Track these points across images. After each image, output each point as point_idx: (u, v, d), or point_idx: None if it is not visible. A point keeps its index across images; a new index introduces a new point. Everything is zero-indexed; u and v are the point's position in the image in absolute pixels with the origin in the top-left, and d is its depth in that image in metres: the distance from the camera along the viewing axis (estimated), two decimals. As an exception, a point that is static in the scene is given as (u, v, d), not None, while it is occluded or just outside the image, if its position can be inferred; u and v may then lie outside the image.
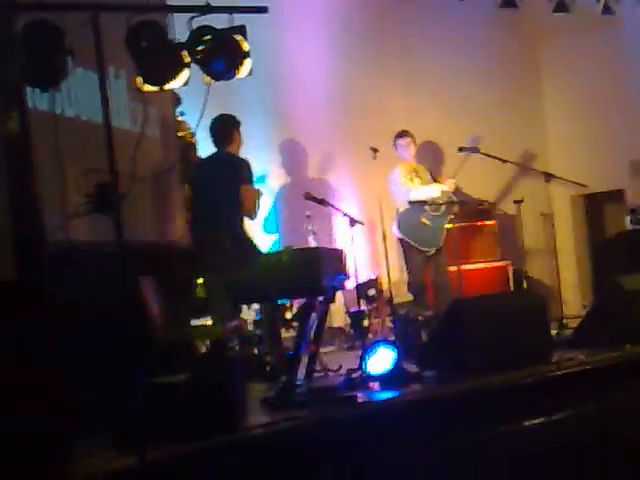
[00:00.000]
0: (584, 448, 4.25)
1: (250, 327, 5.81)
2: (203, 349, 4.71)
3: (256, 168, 5.67)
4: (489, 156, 7.23)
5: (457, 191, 7.39)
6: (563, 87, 8.48)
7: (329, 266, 4.95)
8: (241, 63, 4.39)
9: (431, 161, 7.76)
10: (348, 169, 7.73)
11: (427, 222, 7.05)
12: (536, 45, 8.58)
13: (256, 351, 5.49)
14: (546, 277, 7.93)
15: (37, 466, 3.13)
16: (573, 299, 8.02)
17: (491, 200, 8.06)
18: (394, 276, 7.25)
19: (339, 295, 6.09)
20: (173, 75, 4.29)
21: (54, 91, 3.94)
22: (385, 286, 6.85)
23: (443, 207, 7.10)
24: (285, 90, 7.37)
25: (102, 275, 3.78)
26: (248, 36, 4.38)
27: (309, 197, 6.34)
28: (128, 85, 4.93)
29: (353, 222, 6.17)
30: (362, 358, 4.81)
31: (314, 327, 5.15)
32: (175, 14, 4.40)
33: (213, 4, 4.31)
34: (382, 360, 4.76)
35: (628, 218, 7.36)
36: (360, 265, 6.96)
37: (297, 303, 5.78)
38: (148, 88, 4.30)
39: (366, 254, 7.56)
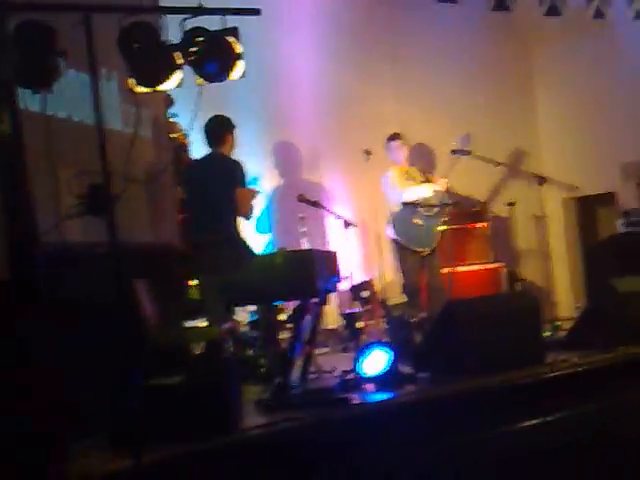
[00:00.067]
0: (577, 450, 4.25)
1: (244, 329, 5.80)
2: (198, 350, 4.70)
3: (249, 170, 5.68)
4: (482, 159, 7.24)
5: (449, 192, 7.40)
6: (555, 90, 8.50)
7: (323, 268, 4.95)
8: (234, 65, 4.39)
9: (423, 163, 7.77)
10: (341, 171, 7.73)
11: (420, 222, 7.06)
12: (528, 49, 8.61)
13: (250, 353, 5.48)
14: (539, 279, 7.94)
15: (36, 466, 3.12)
16: (566, 301, 8.05)
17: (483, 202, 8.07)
18: (388, 278, 7.27)
19: (333, 297, 6.08)
20: (166, 77, 4.28)
21: (46, 92, 3.92)
22: (379, 288, 6.86)
23: (436, 208, 7.11)
24: (279, 92, 7.37)
25: (95, 276, 3.77)
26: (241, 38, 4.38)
27: (302, 199, 6.35)
28: (120, 87, 4.92)
29: (347, 224, 6.17)
30: (356, 359, 4.81)
31: (308, 329, 5.14)
32: (168, 15, 4.38)
33: (206, 6, 4.31)
34: (376, 361, 4.76)
35: (620, 221, 7.39)
36: (354, 267, 6.98)
37: (292, 305, 5.77)
38: (140, 90, 4.29)
39: (359, 256, 7.56)
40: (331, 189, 7.67)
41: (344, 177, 7.74)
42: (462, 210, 7.65)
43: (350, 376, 4.88)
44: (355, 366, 4.81)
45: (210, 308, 5.21)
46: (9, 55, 3.49)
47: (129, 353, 3.36)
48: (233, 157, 5.60)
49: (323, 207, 6.48)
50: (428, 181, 7.29)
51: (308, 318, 5.05)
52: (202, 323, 5.30)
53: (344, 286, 6.39)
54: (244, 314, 5.91)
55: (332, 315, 6.86)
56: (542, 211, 7.43)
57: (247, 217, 5.53)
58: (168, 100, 5.90)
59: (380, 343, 4.99)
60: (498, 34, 8.29)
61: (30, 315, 3.23)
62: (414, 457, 3.87)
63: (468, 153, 7.20)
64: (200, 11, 4.26)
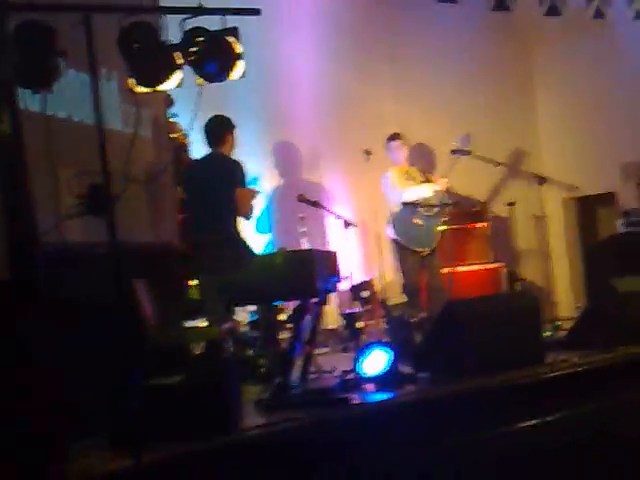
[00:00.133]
0: (577, 450, 4.25)
1: (244, 329, 5.80)
2: (198, 350, 4.70)
3: (249, 170, 5.68)
4: (482, 159, 7.24)
5: (449, 192, 7.40)
6: (555, 90, 8.50)
7: (323, 268, 4.95)
8: (234, 65, 4.39)
9: (423, 163, 7.77)
10: (341, 171, 7.73)
11: (420, 222, 7.05)
12: (528, 49, 8.61)
13: (250, 353, 5.48)
14: (539, 279, 7.94)
15: (36, 466, 3.12)
16: (566, 301, 8.05)
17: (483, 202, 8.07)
18: (388, 278, 7.27)
19: (333, 297, 6.08)
20: (165, 77, 4.27)
21: (46, 92, 3.92)
22: (379, 288, 6.86)
23: (436, 208, 7.11)
24: (279, 92, 7.38)
25: (95, 276, 3.77)
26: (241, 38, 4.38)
27: (302, 199, 6.35)
28: (120, 87, 4.92)
29: (347, 224, 6.17)
30: (356, 359, 4.80)
31: (308, 329, 5.14)
32: (168, 15, 4.38)
33: (206, 6, 4.31)
34: (376, 361, 4.76)
35: (620, 221, 7.39)
36: (354, 267, 6.98)
37: (292, 305, 5.77)
38: (140, 90, 4.29)
39: (359, 256, 7.56)
40: (331, 189, 7.67)
41: (344, 177, 7.74)
42: (462, 210, 7.65)
43: (350, 376, 4.88)
44: (355, 366, 4.81)
45: (210, 308, 5.21)
46: (9, 55, 3.49)
47: (129, 353, 3.36)
48: (233, 157, 5.60)
49: (323, 207, 6.48)
50: (428, 181, 7.29)
51: (308, 318, 5.05)
52: (202, 323, 5.30)
53: (344, 286, 6.39)
54: (244, 314, 5.91)
55: (332, 315, 6.86)
56: (542, 211, 7.43)
57: (247, 217, 5.53)
58: (168, 100, 5.90)
59: (380, 343, 4.99)
60: (498, 34, 8.29)
61: (30, 315, 3.23)
62: (414, 457, 3.87)
63: (468, 153, 7.19)
64: (200, 11, 4.26)
